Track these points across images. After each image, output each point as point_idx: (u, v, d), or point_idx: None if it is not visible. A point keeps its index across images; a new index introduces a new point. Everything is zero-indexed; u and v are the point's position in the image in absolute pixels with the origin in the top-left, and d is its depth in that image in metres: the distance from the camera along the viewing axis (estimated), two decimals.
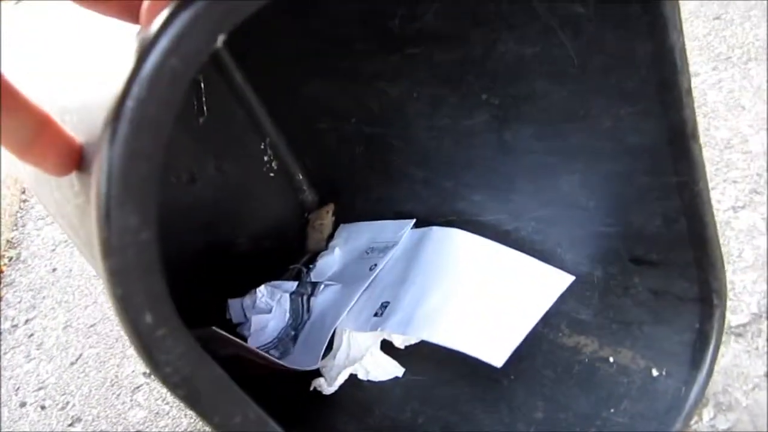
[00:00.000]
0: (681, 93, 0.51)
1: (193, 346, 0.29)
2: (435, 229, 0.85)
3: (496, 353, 0.68)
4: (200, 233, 0.92)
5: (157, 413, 0.93)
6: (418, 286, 0.80)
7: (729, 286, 0.74)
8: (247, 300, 0.89)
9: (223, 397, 0.32)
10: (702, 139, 0.92)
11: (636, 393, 0.69)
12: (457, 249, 0.81)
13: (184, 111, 0.88)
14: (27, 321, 1.25)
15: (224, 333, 0.75)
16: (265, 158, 0.96)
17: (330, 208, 1.00)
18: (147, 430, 0.91)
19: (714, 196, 0.83)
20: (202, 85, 0.88)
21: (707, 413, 0.65)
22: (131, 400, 0.98)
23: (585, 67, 0.55)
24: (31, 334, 1.20)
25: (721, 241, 0.70)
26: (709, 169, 0.87)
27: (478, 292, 0.76)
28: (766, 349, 0.66)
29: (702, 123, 0.94)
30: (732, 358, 0.68)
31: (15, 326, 1.21)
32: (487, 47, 0.60)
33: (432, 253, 0.82)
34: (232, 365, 0.78)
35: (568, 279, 0.73)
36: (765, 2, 1.11)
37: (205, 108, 0.89)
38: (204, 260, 0.92)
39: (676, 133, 0.54)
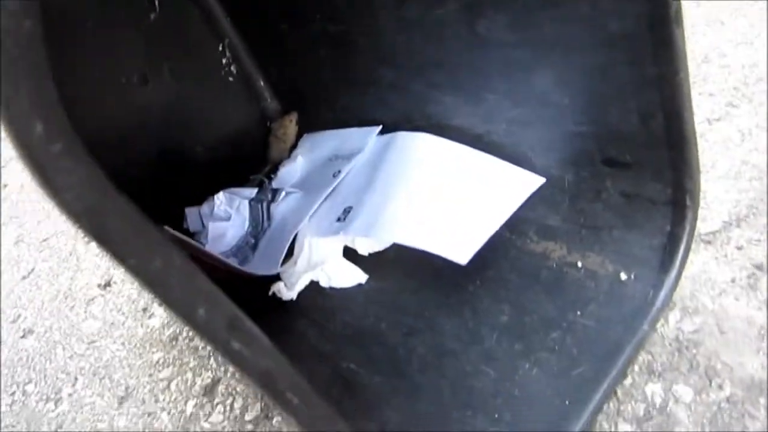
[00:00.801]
0: None
1: (98, 173, 0.25)
2: (401, 134, 0.81)
3: (460, 251, 0.65)
4: (155, 139, 0.87)
5: (112, 323, 0.90)
6: (382, 190, 0.77)
7: (701, 195, 0.73)
8: (204, 208, 0.85)
9: (140, 237, 0.28)
10: None
11: (603, 297, 0.68)
12: (423, 152, 0.77)
13: (133, 6, 0.81)
14: None
15: (175, 232, 0.71)
16: (224, 61, 0.90)
17: (293, 116, 0.95)
18: (101, 339, 0.88)
19: None
20: None
21: (674, 317, 0.65)
22: (85, 312, 0.95)
23: None
24: None
25: None
26: None
27: (444, 194, 0.73)
28: (734, 256, 0.65)
29: None
30: (701, 265, 0.67)
31: None
32: None
33: (397, 158, 0.79)
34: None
35: (537, 181, 0.71)
36: None
37: (156, 3, 0.82)
38: (160, 167, 0.87)
39: (658, 16, 0.50)
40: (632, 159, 0.64)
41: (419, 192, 0.73)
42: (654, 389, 0.61)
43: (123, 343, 0.86)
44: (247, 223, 0.85)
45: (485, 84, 0.69)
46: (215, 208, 0.85)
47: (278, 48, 0.90)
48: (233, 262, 0.82)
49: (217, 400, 0.73)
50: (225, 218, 0.85)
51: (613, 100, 0.60)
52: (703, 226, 0.70)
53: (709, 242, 0.67)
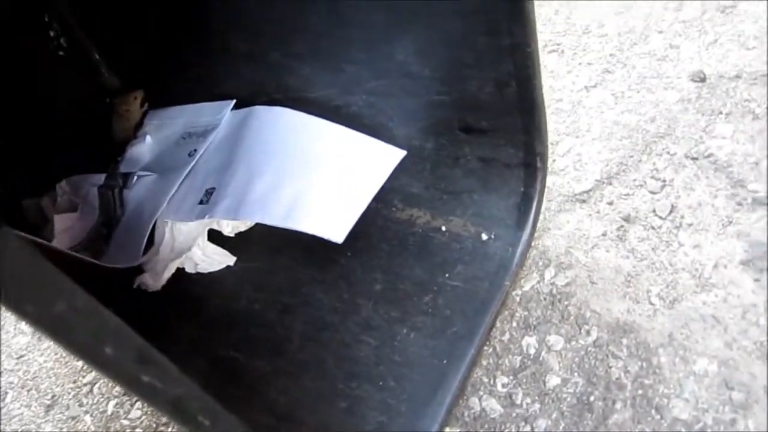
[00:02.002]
0: None
1: None
2: (258, 108, 0.79)
3: (336, 230, 0.66)
4: None
5: (40, 337, 0.85)
6: (245, 168, 0.74)
7: (576, 158, 0.79)
8: (45, 199, 0.78)
9: (37, 278, 0.25)
10: (562, 27, 0.96)
11: (468, 257, 0.71)
12: (284, 128, 0.76)
13: None
14: None
15: (16, 232, 0.64)
16: (51, 33, 0.81)
17: (138, 94, 0.89)
18: (29, 353, 0.83)
19: (569, 78, 0.87)
20: None
21: (549, 273, 0.70)
22: (15, 329, 0.87)
23: None
24: None
25: (572, 118, 0.73)
26: (567, 54, 0.91)
27: (310, 171, 0.73)
28: (605, 211, 0.72)
29: (564, 12, 0.97)
30: (576, 223, 0.72)
31: None
32: None
33: (257, 134, 0.77)
34: None
35: (399, 154, 0.73)
36: None
37: None
38: None
39: None
40: (488, 126, 0.67)
41: (285, 170, 0.72)
42: (529, 341, 0.66)
43: (50, 355, 0.83)
44: (97, 212, 0.79)
45: (345, 55, 0.68)
46: (58, 199, 0.78)
47: (114, 17, 0.83)
48: (85, 255, 0.76)
49: (135, 398, 0.73)
50: (71, 209, 0.78)
51: (472, 69, 0.62)
52: (577, 186, 0.75)
53: (583, 201, 0.73)
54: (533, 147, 0.67)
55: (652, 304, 0.63)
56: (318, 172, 0.71)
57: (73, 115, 0.86)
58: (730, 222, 0.66)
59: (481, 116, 0.67)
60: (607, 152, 0.76)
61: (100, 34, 0.85)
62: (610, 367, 0.61)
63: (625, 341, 0.62)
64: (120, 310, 0.73)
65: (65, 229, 0.77)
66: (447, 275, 0.71)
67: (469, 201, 0.73)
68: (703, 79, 0.76)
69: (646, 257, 0.66)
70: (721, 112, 0.75)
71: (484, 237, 0.72)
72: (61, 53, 0.83)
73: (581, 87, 0.84)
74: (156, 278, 0.73)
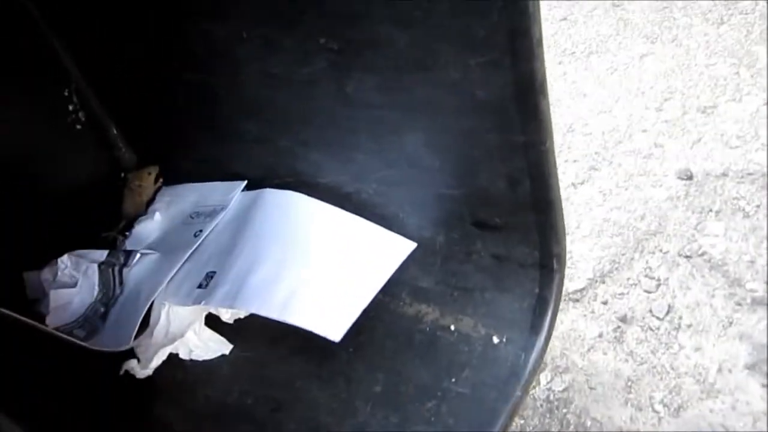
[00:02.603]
0: (532, 43, 0.47)
1: None
2: (268, 191, 0.77)
3: (333, 327, 0.62)
4: None
5: None
6: (247, 254, 0.72)
7: (568, 255, 0.75)
8: (46, 272, 0.76)
9: None
10: None
11: (477, 361, 0.66)
12: (292, 213, 0.73)
13: None
14: None
15: (9, 312, 0.62)
16: (70, 107, 0.82)
17: (153, 170, 0.87)
18: None
19: None
20: None
21: (544, 377, 0.65)
22: None
23: (431, 10, 0.50)
24: None
25: None
26: None
27: (314, 261, 0.69)
28: (600, 311, 0.67)
29: None
30: (570, 323, 0.68)
31: None
32: None
33: (264, 218, 0.74)
34: (22, 346, 0.65)
35: (409, 246, 0.69)
36: (606, 2, 1.17)
37: None
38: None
39: (525, 86, 0.50)
40: (501, 222, 0.64)
41: (287, 258, 0.69)
42: None
43: None
44: (96, 290, 0.76)
45: (354, 143, 0.66)
46: (59, 273, 0.76)
47: (131, 93, 0.83)
48: (80, 333, 0.73)
49: None
50: (71, 284, 0.76)
51: (482, 164, 0.59)
52: (570, 285, 0.71)
53: (576, 300, 0.69)
54: (549, 247, 0.63)
55: (656, 411, 0.58)
56: (321, 262, 0.68)
57: (86, 188, 0.86)
58: (731, 323, 0.62)
59: (493, 212, 0.63)
60: (598, 250, 0.73)
61: (118, 109, 0.85)
62: None
63: None
64: (103, 396, 0.70)
65: (62, 305, 0.75)
66: (453, 380, 0.66)
67: (481, 300, 0.69)
68: (690, 177, 0.73)
69: (647, 360, 0.62)
70: (711, 210, 0.72)
71: (496, 340, 0.67)
72: (78, 127, 0.83)
73: (568, 184, 0.82)
74: (145, 364, 0.69)
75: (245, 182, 0.79)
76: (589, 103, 0.93)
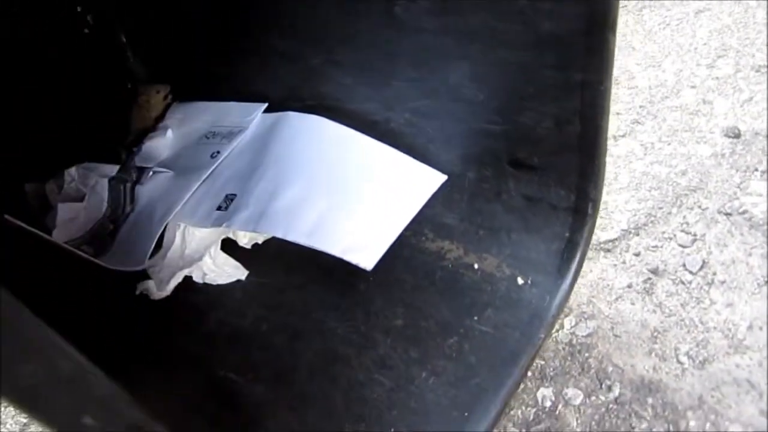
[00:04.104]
0: None
1: None
2: (291, 114, 0.73)
3: (366, 256, 0.61)
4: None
5: None
6: (271, 177, 0.69)
7: (602, 206, 0.74)
8: (51, 184, 0.72)
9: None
10: None
11: (500, 301, 0.66)
12: (318, 138, 0.70)
13: None
14: None
15: (15, 221, 0.59)
16: (78, 8, 0.76)
17: (163, 89, 0.83)
18: None
19: None
20: None
21: (569, 322, 0.65)
22: None
23: None
24: None
25: None
26: None
27: (343, 189, 0.67)
28: (632, 262, 0.66)
29: None
30: (599, 272, 0.67)
31: None
32: None
33: (288, 142, 0.71)
34: (33, 262, 0.63)
35: (440, 178, 0.67)
36: None
37: None
38: (10, 131, 0.72)
39: (596, 21, 0.48)
40: (540, 162, 0.62)
41: (315, 183, 0.66)
42: (545, 393, 0.61)
43: None
44: (105, 205, 0.73)
45: (393, 69, 0.63)
46: (65, 186, 0.72)
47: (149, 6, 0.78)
48: (87, 250, 0.70)
49: None
50: (77, 198, 0.72)
51: (532, 101, 0.57)
52: (603, 235, 0.70)
53: (608, 250, 0.68)
54: (586, 192, 0.61)
55: (680, 362, 0.58)
56: (351, 190, 0.66)
57: (92, 98, 0.81)
58: (766, 282, 0.61)
59: (533, 151, 0.61)
60: (634, 202, 0.71)
61: (129, 16, 0.80)
62: (633, 428, 0.56)
63: (650, 400, 0.57)
64: (119, 316, 0.68)
65: (69, 219, 0.72)
66: (476, 318, 0.65)
67: (507, 240, 0.68)
68: (737, 135, 0.72)
69: (675, 313, 0.61)
70: (756, 169, 0.71)
71: (520, 281, 0.66)
72: (86, 30, 0.78)
73: (609, 136, 0.80)
74: (161, 286, 0.67)
75: (266, 104, 0.76)
76: (637, 57, 0.90)
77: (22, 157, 0.74)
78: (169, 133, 0.79)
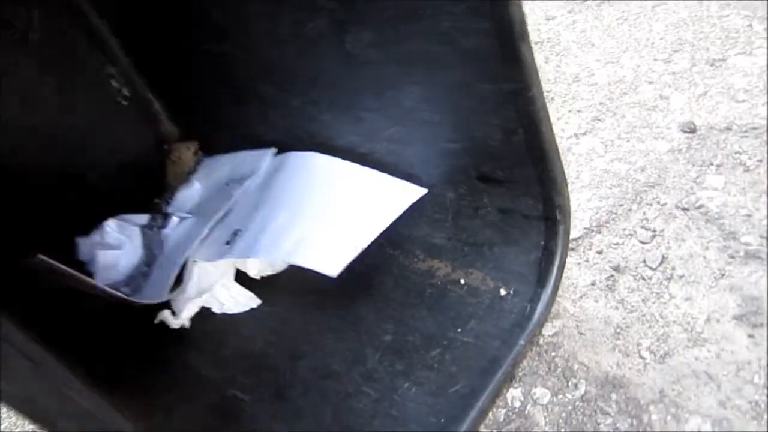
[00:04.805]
0: None
1: None
2: (292, 154, 0.81)
3: (331, 264, 0.65)
4: (42, 164, 0.84)
5: None
6: (268, 210, 0.76)
7: None
8: (95, 236, 0.83)
9: None
10: (552, 75, 0.94)
11: (483, 312, 0.68)
12: (309, 170, 0.77)
13: (11, 25, 0.79)
14: None
15: (50, 261, 0.69)
16: (114, 84, 0.88)
17: (192, 145, 0.93)
18: None
19: (559, 125, 0.85)
20: None
21: None
22: None
23: None
24: None
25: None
26: (557, 101, 0.88)
27: (325, 209, 0.73)
28: (595, 260, 0.67)
29: (554, 60, 0.96)
30: (565, 272, 0.68)
31: None
32: None
33: (286, 178, 0.78)
34: (66, 298, 0.72)
35: (418, 191, 0.71)
36: None
37: (36, 23, 0.80)
38: (51, 193, 0.84)
39: (505, 32, 0.51)
40: (504, 175, 0.64)
41: (301, 210, 0.73)
42: (514, 394, 0.62)
43: None
44: (140, 251, 0.83)
45: (360, 102, 0.69)
46: (106, 237, 0.82)
47: (169, 70, 0.89)
48: (125, 291, 0.80)
49: None
50: (116, 246, 0.82)
51: (477, 115, 0.60)
52: None
53: (572, 249, 0.69)
54: (551, 199, 0.63)
55: (642, 358, 0.58)
56: (330, 210, 0.72)
57: (132, 159, 0.93)
58: (723, 275, 0.60)
59: (495, 165, 0.64)
60: (596, 200, 0.72)
61: (158, 85, 0.91)
62: (599, 424, 0.55)
63: (614, 396, 0.56)
64: (143, 344, 0.76)
65: (110, 265, 0.81)
66: (459, 330, 0.67)
67: (489, 254, 0.70)
68: (693, 130, 0.71)
69: (637, 309, 0.61)
70: (711, 164, 0.70)
71: (503, 292, 0.68)
72: (123, 102, 0.90)
73: (570, 134, 0.81)
74: (178, 315, 0.75)
75: (273, 149, 0.84)
76: (597, 53, 0.91)
77: (73, 214, 0.85)
78: (196, 184, 0.89)
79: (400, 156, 0.72)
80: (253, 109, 0.80)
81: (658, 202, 0.68)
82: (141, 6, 0.80)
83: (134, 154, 0.93)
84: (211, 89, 0.84)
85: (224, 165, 0.89)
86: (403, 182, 0.70)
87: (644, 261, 0.64)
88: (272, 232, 0.71)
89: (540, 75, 0.54)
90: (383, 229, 0.67)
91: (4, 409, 0.79)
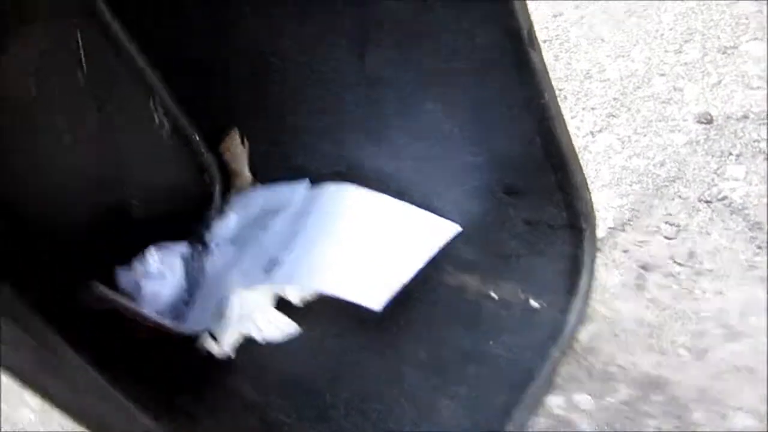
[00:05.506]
0: None
1: None
2: (328, 186, 0.83)
3: (375, 298, 0.67)
4: (90, 196, 0.87)
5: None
6: (306, 241, 0.78)
7: None
8: (138, 266, 0.86)
9: None
10: (563, 72, 0.93)
11: (516, 325, 0.68)
12: (347, 203, 0.79)
13: (60, 66, 0.84)
14: None
15: (104, 288, 0.73)
16: (156, 117, 0.92)
17: (234, 134, 0.94)
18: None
19: (574, 123, 0.84)
20: (79, 38, 0.84)
21: None
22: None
23: None
24: None
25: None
26: (570, 99, 0.88)
27: (364, 243, 0.75)
28: (621, 260, 0.66)
29: (564, 58, 0.96)
30: None
31: None
32: None
33: (322, 210, 0.81)
34: (114, 325, 0.76)
35: (452, 229, 0.72)
36: None
37: (84, 62, 0.85)
38: (95, 225, 0.88)
39: (514, 40, 0.52)
40: (526, 186, 0.65)
41: (340, 241, 0.75)
42: (556, 402, 0.61)
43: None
44: (182, 280, 0.86)
45: (383, 121, 0.71)
46: (149, 267, 0.86)
47: (206, 102, 0.93)
48: (168, 320, 0.83)
49: None
50: (158, 276, 0.86)
51: (495, 126, 0.61)
52: None
53: (598, 250, 0.69)
54: (574, 206, 0.63)
55: (679, 356, 0.58)
56: (370, 243, 0.74)
57: (174, 189, 0.96)
58: (752, 266, 0.59)
59: (517, 176, 0.65)
60: (618, 198, 0.71)
61: (198, 118, 0.95)
62: (643, 427, 0.54)
63: (656, 397, 0.56)
64: (189, 372, 0.79)
65: (153, 295, 0.85)
66: (491, 343, 0.67)
67: (518, 266, 0.70)
68: (709, 121, 0.70)
69: (669, 306, 0.61)
70: (731, 154, 0.69)
71: (535, 304, 0.68)
72: (164, 134, 0.93)
73: (586, 132, 0.80)
74: (221, 342, 0.77)
75: (306, 181, 0.86)
76: (606, 48, 0.91)
77: (120, 243, 0.89)
78: (232, 216, 0.92)
79: (426, 173, 0.73)
80: (286, 137, 0.83)
81: (680, 196, 0.68)
82: (181, 42, 0.84)
83: (175, 185, 0.96)
84: (246, 120, 0.87)
85: (259, 197, 0.92)
86: (439, 218, 0.72)
87: (671, 257, 0.64)
88: (311, 262, 0.74)
89: (550, 74, 0.54)
90: (423, 264, 0.68)
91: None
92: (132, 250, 0.87)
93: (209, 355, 0.79)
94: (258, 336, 0.80)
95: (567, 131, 0.58)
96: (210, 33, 0.79)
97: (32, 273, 0.82)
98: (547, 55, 0.97)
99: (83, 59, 0.84)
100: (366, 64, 0.65)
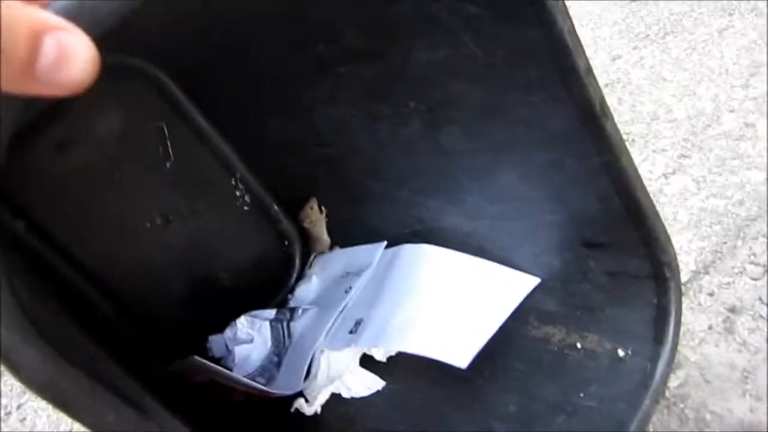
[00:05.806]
0: (580, 74, 0.53)
1: (52, 354, 0.31)
2: (405, 247, 0.86)
3: (460, 355, 0.69)
4: (180, 273, 0.94)
5: None
6: (389, 301, 0.81)
7: None
8: (228, 332, 0.91)
9: (92, 399, 0.35)
10: (629, 116, 0.95)
11: (604, 375, 0.69)
12: (426, 263, 0.83)
13: (150, 158, 0.91)
14: (19, 406, 1.20)
15: (201, 360, 0.77)
16: (237, 194, 0.98)
17: (312, 203, 1.00)
18: None
19: (645, 167, 0.85)
20: (166, 131, 0.91)
21: None
22: None
23: (491, 63, 0.57)
24: (24, 419, 1.17)
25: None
26: (639, 142, 0.89)
27: (446, 301, 0.77)
28: (707, 303, 0.67)
29: (628, 101, 0.96)
30: None
31: (8, 413, 1.21)
32: (403, 57, 0.63)
33: (402, 270, 0.84)
34: (211, 393, 0.80)
35: (532, 281, 0.74)
36: None
37: (171, 153, 0.92)
38: (187, 299, 0.94)
39: (586, 113, 0.55)
40: (606, 240, 0.67)
41: (423, 302, 0.78)
42: None
43: None
44: (269, 343, 0.90)
45: (459, 187, 0.74)
46: (238, 332, 0.90)
47: (283, 173, 0.98)
48: (260, 380, 0.86)
49: None
50: (248, 341, 0.90)
51: (571, 189, 0.64)
52: None
53: (683, 294, 0.69)
54: (658, 258, 0.65)
55: None
56: (452, 302, 0.76)
57: (257, 259, 1.01)
58: None
59: (596, 231, 0.67)
60: (698, 240, 0.71)
61: (275, 188, 1.00)
62: None
63: None
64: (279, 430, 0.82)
65: (244, 358, 0.89)
66: (582, 395, 0.69)
67: (603, 316, 0.71)
68: None
69: (761, 349, 0.60)
70: None
71: (621, 353, 0.69)
72: (245, 208, 0.99)
73: (659, 175, 0.81)
74: (312, 402, 0.81)
75: (384, 243, 0.90)
76: (670, 88, 0.91)
77: (210, 314, 0.94)
78: (314, 278, 0.96)
79: (502, 231, 0.76)
80: (364, 203, 0.87)
81: (763, 235, 0.68)
82: (259, 122, 0.90)
83: (258, 254, 1.02)
84: (323, 187, 0.92)
85: (339, 260, 0.96)
86: (518, 272, 0.74)
87: (759, 298, 0.64)
88: (395, 323, 0.77)
89: (616, 117, 0.56)
90: (505, 319, 0.70)
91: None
92: (223, 320, 0.92)
93: (300, 415, 0.83)
94: (346, 394, 0.83)
95: (645, 189, 0.61)
96: (289, 112, 0.85)
97: (133, 350, 0.88)
98: (611, 99, 0.99)
99: (170, 151, 0.90)
100: (441, 138, 0.69)
